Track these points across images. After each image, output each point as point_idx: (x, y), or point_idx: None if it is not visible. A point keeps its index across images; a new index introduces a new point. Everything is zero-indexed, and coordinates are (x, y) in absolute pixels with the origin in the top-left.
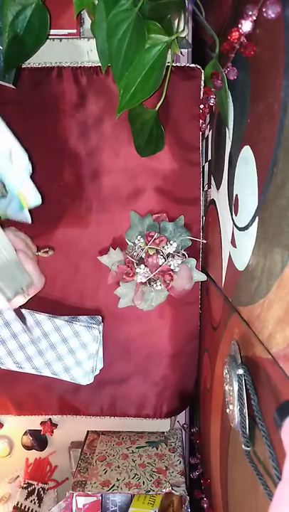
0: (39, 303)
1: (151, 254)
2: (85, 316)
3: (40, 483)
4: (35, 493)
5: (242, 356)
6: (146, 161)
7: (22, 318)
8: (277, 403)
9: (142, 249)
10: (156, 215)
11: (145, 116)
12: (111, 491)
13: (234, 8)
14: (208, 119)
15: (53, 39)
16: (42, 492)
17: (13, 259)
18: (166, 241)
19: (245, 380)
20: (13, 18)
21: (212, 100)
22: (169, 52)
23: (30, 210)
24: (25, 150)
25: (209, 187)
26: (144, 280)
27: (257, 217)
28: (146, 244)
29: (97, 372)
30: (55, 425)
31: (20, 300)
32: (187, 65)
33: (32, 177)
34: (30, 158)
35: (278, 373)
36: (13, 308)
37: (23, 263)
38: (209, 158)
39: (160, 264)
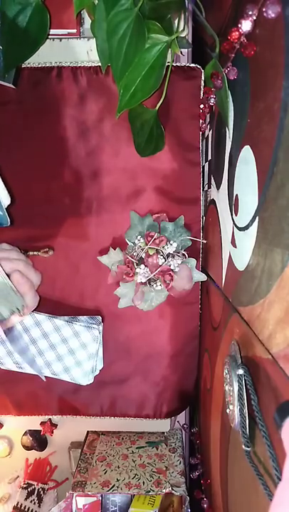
0: (39, 303)
1: (151, 254)
2: (84, 316)
3: (40, 484)
4: (35, 494)
5: (242, 356)
6: (146, 161)
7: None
8: (277, 403)
9: (142, 249)
10: (156, 215)
11: (145, 116)
12: (111, 491)
13: (234, 7)
14: (208, 119)
15: (53, 39)
16: (42, 492)
17: (8, 285)
18: (166, 241)
19: (245, 380)
20: (13, 17)
21: (212, 100)
22: (169, 52)
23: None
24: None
25: (209, 187)
26: (144, 280)
27: (257, 217)
28: (146, 244)
29: (97, 372)
30: (55, 425)
31: (17, 318)
32: (187, 64)
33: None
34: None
35: (278, 373)
36: (10, 325)
37: (17, 286)
38: (209, 158)
39: (160, 264)
